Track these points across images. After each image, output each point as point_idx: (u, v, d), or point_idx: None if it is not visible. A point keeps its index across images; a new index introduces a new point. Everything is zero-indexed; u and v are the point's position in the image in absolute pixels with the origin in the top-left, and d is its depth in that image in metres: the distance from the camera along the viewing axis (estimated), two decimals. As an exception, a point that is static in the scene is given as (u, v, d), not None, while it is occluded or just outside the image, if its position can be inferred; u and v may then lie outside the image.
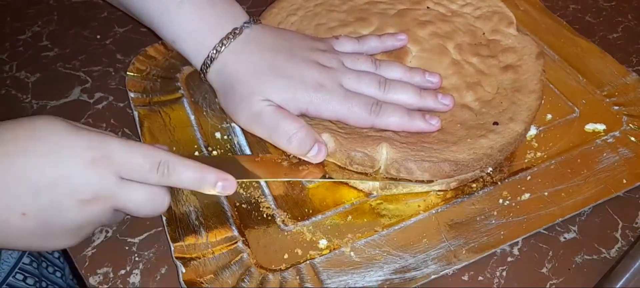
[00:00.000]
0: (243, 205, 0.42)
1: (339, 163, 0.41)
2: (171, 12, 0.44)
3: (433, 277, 0.37)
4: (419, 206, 0.42)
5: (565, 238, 0.41)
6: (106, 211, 0.33)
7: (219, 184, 0.36)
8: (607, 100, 0.49)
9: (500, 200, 0.42)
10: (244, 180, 0.41)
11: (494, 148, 0.41)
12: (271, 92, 0.41)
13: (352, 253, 0.39)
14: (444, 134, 0.42)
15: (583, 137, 0.46)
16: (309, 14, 0.52)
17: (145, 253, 0.39)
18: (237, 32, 0.43)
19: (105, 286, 0.38)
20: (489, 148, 0.40)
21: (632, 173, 0.43)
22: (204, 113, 0.49)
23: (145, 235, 0.40)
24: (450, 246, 0.39)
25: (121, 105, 0.50)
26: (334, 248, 0.39)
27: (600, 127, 0.47)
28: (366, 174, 0.41)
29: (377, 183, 0.41)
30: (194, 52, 0.44)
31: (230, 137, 0.47)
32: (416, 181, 0.40)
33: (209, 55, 0.43)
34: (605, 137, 0.46)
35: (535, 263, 0.39)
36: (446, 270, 0.37)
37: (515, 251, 0.40)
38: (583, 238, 0.41)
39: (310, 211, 0.41)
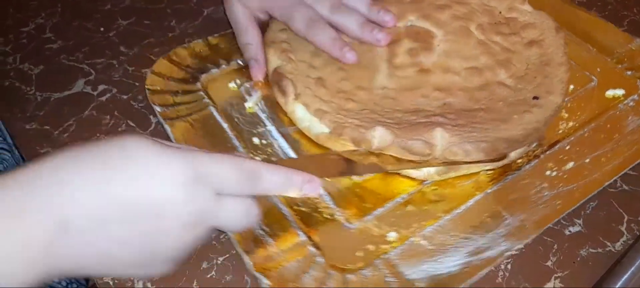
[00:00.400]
0: (301, 208, 0.41)
1: (395, 155, 0.41)
2: None
3: (507, 254, 0.38)
4: (472, 188, 0.42)
5: (570, 231, 0.41)
6: (206, 232, 0.31)
7: (305, 186, 0.35)
8: (619, 66, 0.52)
9: (547, 172, 0.43)
10: (330, 177, 0.41)
11: (540, 121, 0.42)
12: None
13: (423, 242, 0.39)
14: (490, 112, 0.43)
15: (605, 104, 0.49)
16: None
17: None
18: None
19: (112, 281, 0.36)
20: (536, 122, 0.42)
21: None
22: (236, 120, 0.47)
23: None
24: (514, 222, 0.40)
25: (125, 97, 0.50)
26: (405, 239, 0.39)
27: (619, 92, 0.49)
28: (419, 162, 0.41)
29: (432, 170, 0.41)
30: None
31: (269, 141, 0.45)
32: (471, 162, 0.41)
33: None
34: (626, 101, 0.49)
35: (540, 257, 0.39)
36: (518, 245, 0.38)
37: (520, 244, 0.39)
38: (588, 231, 0.41)
39: (370, 205, 0.41)
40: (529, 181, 0.43)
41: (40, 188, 0.27)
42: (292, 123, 0.46)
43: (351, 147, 0.41)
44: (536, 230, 0.39)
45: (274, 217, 0.40)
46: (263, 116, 0.48)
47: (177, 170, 0.29)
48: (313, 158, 0.42)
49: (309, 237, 0.39)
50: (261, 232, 0.39)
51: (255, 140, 0.45)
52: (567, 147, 0.45)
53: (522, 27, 0.50)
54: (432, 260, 0.37)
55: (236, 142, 0.45)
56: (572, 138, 0.46)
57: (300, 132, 0.45)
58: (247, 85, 0.50)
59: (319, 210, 0.41)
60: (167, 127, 0.45)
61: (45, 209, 0.26)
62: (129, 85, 0.51)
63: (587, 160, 0.44)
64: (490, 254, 0.38)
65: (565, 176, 0.43)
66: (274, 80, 0.46)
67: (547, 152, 0.45)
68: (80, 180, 0.27)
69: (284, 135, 0.46)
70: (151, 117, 0.49)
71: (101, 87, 0.51)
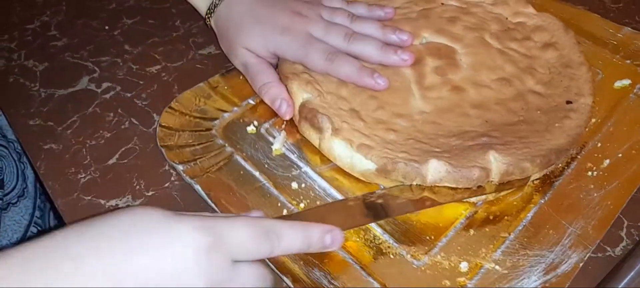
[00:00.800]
0: (365, 254, 0.38)
1: (451, 185, 0.39)
2: None
3: (581, 265, 0.38)
4: (522, 201, 0.42)
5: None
6: None
7: (326, 238, 0.33)
8: (617, 56, 0.54)
9: (588, 173, 0.44)
10: (349, 228, 0.38)
11: (581, 126, 0.42)
12: (247, 40, 0.48)
13: (496, 267, 0.38)
14: (531, 123, 0.42)
15: (617, 95, 0.50)
16: None
17: None
18: None
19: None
20: (577, 127, 0.42)
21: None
22: (266, 165, 0.44)
23: None
24: (575, 229, 0.40)
25: (128, 95, 0.51)
26: (478, 268, 0.38)
27: (626, 81, 0.51)
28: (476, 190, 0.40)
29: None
30: (201, 4, 0.52)
31: (308, 183, 0.43)
32: (524, 178, 0.41)
33: (209, 6, 0.51)
34: (635, 90, 0.51)
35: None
36: (588, 254, 0.38)
37: (588, 251, 0.39)
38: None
39: (432, 237, 0.40)
40: (575, 185, 0.43)
41: (51, 261, 0.26)
42: (324, 160, 0.44)
43: (399, 181, 0.40)
44: (599, 234, 0.39)
45: (340, 268, 0.37)
46: (294, 157, 0.45)
47: (191, 241, 0.28)
48: (333, 207, 0.40)
49: (382, 284, 0.37)
50: (331, 286, 0.36)
51: (294, 185, 0.43)
52: (599, 145, 0.46)
53: (532, 30, 0.50)
54: (510, 285, 0.37)
55: (273, 190, 0.42)
56: (600, 135, 0.46)
57: (338, 169, 0.43)
58: (266, 125, 0.47)
59: (384, 252, 0.39)
60: (196, 185, 0.42)
61: (53, 283, 0.26)
62: (133, 84, 0.51)
63: (620, 155, 0.45)
64: (565, 269, 0.37)
65: (605, 174, 0.43)
66: (305, 117, 0.43)
67: (582, 153, 0.45)
68: (91, 254, 0.27)
69: (321, 175, 0.43)
70: (154, 115, 0.49)
71: (105, 85, 0.52)
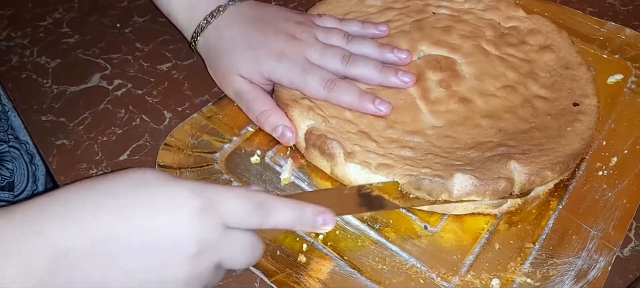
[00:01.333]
0: (393, 280, 0.37)
1: (475, 198, 0.39)
2: None
3: (609, 268, 0.38)
4: (540, 209, 0.42)
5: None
6: (211, 267, 0.30)
7: (318, 218, 0.33)
8: (605, 52, 0.55)
9: (599, 173, 0.44)
10: (342, 214, 0.39)
11: (591, 127, 0.42)
12: (240, 66, 0.46)
13: (528, 280, 0.37)
14: (543, 129, 0.42)
15: (612, 91, 0.51)
16: None
17: None
18: (221, 9, 0.48)
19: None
20: (589, 129, 0.42)
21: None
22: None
23: None
24: (597, 232, 0.40)
25: (139, 92, 0.51)
26: (510, 283, 0.37)
27: (619, 77, 0.52)
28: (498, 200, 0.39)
29: (509, 202, 0.40)
30: (186, 25, 0.50)
31: (323, 212, 0.41)
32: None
33: (195, 30, 0.48)
34: (628, 85, 0.51)
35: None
36: (614, 256, 0.38)
37: (613, 253, 0.39)
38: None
39: (458, 256, 0.39)
40: (589, 186, 0.43)
41: (46, 217, 0.27)
42: (336, 185, 0.43)
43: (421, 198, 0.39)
44: (621, 234, 0.39)
45: (373, 300, 0.36)
46: (304, 185, 0.43)
47: (184, 200, 0.29)
48: (328, 193, 0.40)
49: (419, 312, 0.35)
50: (369, 322, 0.34)
51: (309, 215, 0.41)
52: (604, 143, 0.46)
53: (526, 34, 0.50)
54: (546, 298, 0.36)
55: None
56: (603, 133, 0.47)
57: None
58: (270, 153, 0.45)
59: (413, 277, 0.37)
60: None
61: (47, 237, 0.27)
62: (144, 81, 0.52)
63: (626, 152, 0.45)
64: (594, 274, 0.37)
65: (615, 172, 0.44)
66: (313, 144, 0.42)
67: (590, 152, 0.45)
68: (83, 211, 0.28)
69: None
70: (165, 112, 0.49)
71: (116, 82, 0.52)
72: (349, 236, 0.40)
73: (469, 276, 0.37)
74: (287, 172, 0.43)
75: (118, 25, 0.58)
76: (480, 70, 0.46)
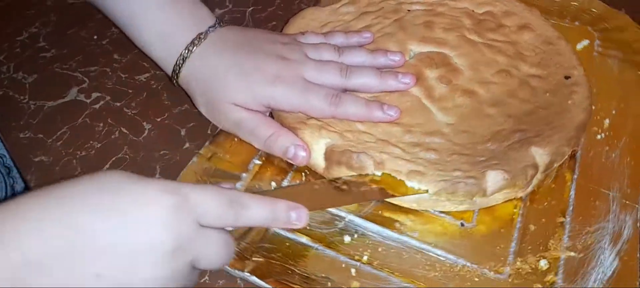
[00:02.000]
0: (450, 285, 0.37)
1: (507, 191, 0.39)
2: (139, 17, 0.46)
3: (638, 224, 0.40)
4: (558, 182, 0.43)
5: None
6: (185, 266, 0.29)
7: (292, 214, 0.34)
8: (566, 20, 0.58)
9: (598, 136, 0.46)
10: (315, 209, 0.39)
11: (588, 96, 0.44)
12: (234, 96, 0.44)
13: (572, 254, 0.38)
14: (547, 107, 0.44)
15: (583, 56, 0.51)
16: None
17: None
18: (202, 36, 0.45)
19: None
20: (587, 98, 0.44)
21: (637, 65, 0.53)
22: (308, 228, 0.40)
23: None
24: (616, 194, 0.42)
25: (118, 104, 0.51)
26: (557, 261, 0.38)
27: (585, 42, 0.55)
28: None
29: (533, 183, 0.41)
30: (164, 57, 0.47)
31: (359, 231, 0.40)
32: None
33: (177, 61, 0.45)
34: (595, 48, 0.55)
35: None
36: (638, 210, 0.40)
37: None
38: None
39: (502, 246, 0.39)
40: (594, 152, 0.45)
41: (10, 224, 0.26)
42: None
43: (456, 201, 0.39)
44: (637, 191, 0.42)
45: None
46: (332, 209, 0.42)
47: (157, 198, 0.28)
48: (301, 189, 0.41)
49: (484, 311, 0.35)
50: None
51: (346, 238, 0.40)
52: (593, 108, 0.48)
53: (501, 16, 0.52)
54: (592, 269, 0.37)
55: (329, 252, 0.39)
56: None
57: (381, 205, 0.41)
58: (285, 182, 0.43)
59: (468, 277, 0.37)
60: (251, 278, 0.37)
61: (10, 244, 0.26)
62: (123, 93, 0.52)
63: (614, 112, 0.48)
64: (628, 233, 0.39)
65: (611, 133, 0.46)
66: (338, 161, 0.40)
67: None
68: (50, 214, 0.27)
69: (368, 218, 0.41)
70: (144, 123, 0.49)
71: (94, 95, 0.52)
72: (392, 251, 0.39)
73: (518, 263, 0.38)
74: (310, 200, 0.42)
75: (95, 37, 0.58)
76: (472, 60, 0.47)
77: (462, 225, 0.40)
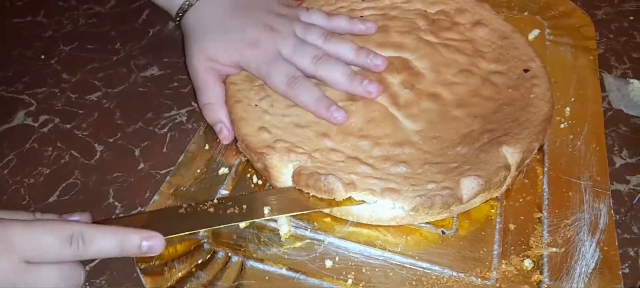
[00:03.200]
0: (439, 298, 0.36)
1: (482, 195, 0.38)
2: None
3: (612, 211, 0.40)
4: (530, 177, 0.43)
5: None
6: None
7: (143, 244, 0.34)
8: (514, 11, 0.59)
9: (561, 125, 0.47)
10: (174, 235, 0.37)
11: (549, 88, 0.45)
12: (209, 46, 0.45)
13: (553, 249, 0.38)
14: (511, 103, 0.43)
15: (536, 46, 0.52)
16: None
17: (97, 281, 0.38)
18: None
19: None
20: (548, 90, 0.44)
21: (589, 47, 0.54)
22: (286, 257, 0.38)
23: (96, 262, 0.38)
24: (587, 182, 0.42)
25: (68, 126, 0.49)
26: (540, 259, 0.38)
27: (536, 32, 0.56)
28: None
29: (507, 181, 0.41)
30: (169, 3, 0.48)
31: (341, 253, 0.38)
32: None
33: (181, 6, 0.47)
34: (547, 37, 0.55)
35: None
36: (609, 200, 0.41)
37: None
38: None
39: (485, 250, 0.38)
40: (560, 141, 0.45)
41: None
42: (338, 221, 0.40)
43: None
44: (606, 178, 0.42)
45: None
46: (308, 233, 0.40)
47: None
48: (160, 213, 0.40)
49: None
50: None
51: (328, 263, 0.38)
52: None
53: (454, 14, 0.52)
54: (575, 263, 0.37)
55: (313, 280, 0.37)
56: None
57: (360, 223, 0.40)
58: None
59: (456, 287, 0.36)
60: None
61: None
62: (73, 114, 0.50)
63: (573, 99, 0.49)
64: (604, 221, 0.39)
65: (574, 121, 0.47)
66: (305, 184, 0.38)
67: (544, 109, 0.48)
68: None
69: (348, 238, 0.39)
70: (96, 145, 0.47)
71: (43, 118, 0.50)
72: (377, 270, 0.37)
73: (503, 266, 0.37)
74: (285, 225, 0.40)
75: (43, 56, 0.56)
76: (432, 62, 0.47)
77: (443, 233, 0.39)
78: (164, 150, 0.47)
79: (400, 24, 0.50)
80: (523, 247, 0.39)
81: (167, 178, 0.43)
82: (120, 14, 0.61)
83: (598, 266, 0.37)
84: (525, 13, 0.58)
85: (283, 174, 0.40)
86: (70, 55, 0.56)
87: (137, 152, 0.47)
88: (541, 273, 0.37)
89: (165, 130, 0.49)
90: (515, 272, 0.37)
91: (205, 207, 0.38)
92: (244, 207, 0.39)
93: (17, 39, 0.58)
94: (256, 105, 0.44)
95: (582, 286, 0.36)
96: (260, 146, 0.41)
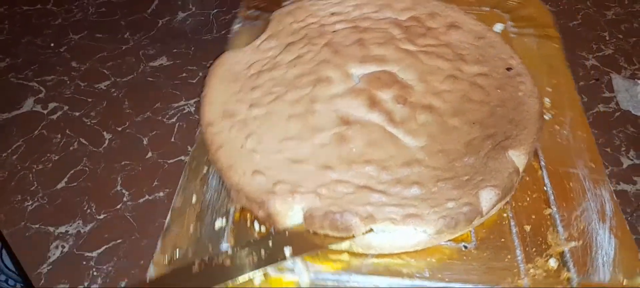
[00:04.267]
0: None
1: (499, 204, 0.38)
2: None
3: (615, 197, 0.41)
4: (531, 173, 0.43)
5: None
6: None
7: None
8: (475, 8, 0.59)
9: (546, 117, 0.47)
10: None
11: (534, 84, 0.45)
12: None
13: (573, 243, 0.39)
14: (503, 105, 0.43)
15: (504, 39, 0.54)
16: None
17: (104, 267, 0.39)
18: None
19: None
20: (534, 86, 0.45)
21: (551, 36, 0.55)
22: None
23: (103, 248, 0.39)
24: (583, 171, 0.43)
25: (77, 114, 0.50)
26: (562, 255, 0.38)
27: (500, 26, 0.57)
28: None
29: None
30: None
31: (368, 290, 0.36)
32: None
33: None
34: (511, 31, 0.56)
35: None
36: (610, 185, 0.42)
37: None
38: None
39: (509, 257, 0.38)
40: (548, 133, 0.46)
41: None
42: (357, 256, 0.38)
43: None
44: (600, 165, 0.43)
45: None
46: (330, 276, 0.37)
47: None
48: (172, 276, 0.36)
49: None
50: None
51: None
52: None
53: (426, 19, 0.51)
54: (595, 254, 0.38)
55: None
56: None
57: (379, 261, 0.38)
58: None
59: (490, 302, 0.36)
60: None
61: None
62: (81, 102, 0.51)
63: (550, 89, 0.50)
64: (611, 207, 0.40)
65: (557, 111, 0.48)
66: (320, 226, 0.36)
67: (526, 103, 0.49)
68: None
69: (373, 273, 0.37)
70: (105, 133, 0.48)
71: (52, 105, 0.51)
72: (410, 300, 0.36)
73: (531, 270, 0.37)
74: (305, 277, 0.37)
75: (52, 44, 0.57)
76: (417, 71, 0.46)
77: (465, 247, 0.39)
78: (172, 140, 0.47)
79: (375, 36, 0.49)
80: (543, 246, 0.39)
81: (159, 241, 0.39)
82: (129, 4, 0.62)
83: (617, 254, 0.38)
84: (486, 8, 0.59)
85: (289, 218, 0.37)
86: (80, 43, 0.57)
87: (145, 141, 0.47)
88: (568, 270, 0.37)
89: (174, 120, 0.49)
90: (544, 274, 0.37)
91: (221, 260, 0.35)
92: (262, 251, 0.36)
93: (27, 26, 0.58)
94: (242, 147, 0.41)
95: (609, 278, 0.36)
96: (258, 194, 0.38)
